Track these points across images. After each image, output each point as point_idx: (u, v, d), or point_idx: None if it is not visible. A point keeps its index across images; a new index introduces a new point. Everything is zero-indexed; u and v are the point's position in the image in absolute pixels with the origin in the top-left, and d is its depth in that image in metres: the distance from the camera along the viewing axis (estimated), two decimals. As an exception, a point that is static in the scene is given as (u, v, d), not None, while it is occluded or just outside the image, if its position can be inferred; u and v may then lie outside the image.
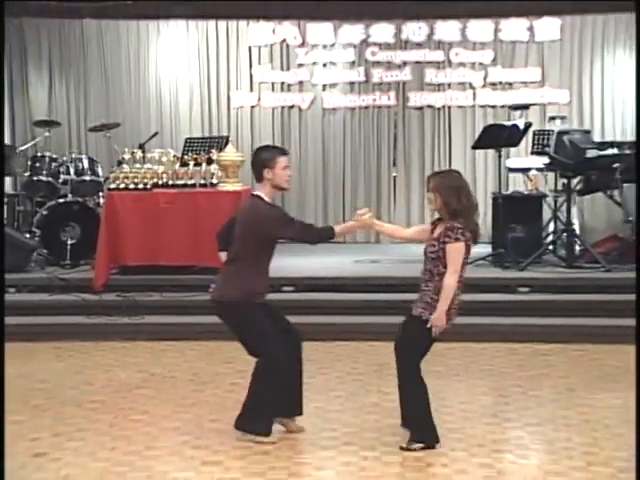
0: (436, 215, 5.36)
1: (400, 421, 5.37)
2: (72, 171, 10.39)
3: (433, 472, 4.88)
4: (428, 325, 5.16)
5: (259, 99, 12.47)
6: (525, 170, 10.81)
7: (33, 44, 12.37)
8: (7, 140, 11.76)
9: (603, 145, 10.01)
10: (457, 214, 5.17)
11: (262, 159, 5.43)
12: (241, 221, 5.41)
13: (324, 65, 12.44)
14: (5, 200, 10.71)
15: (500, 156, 9.97)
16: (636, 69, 11.47)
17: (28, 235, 10.00)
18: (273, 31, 12.40)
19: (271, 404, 5.34)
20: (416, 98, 12.37)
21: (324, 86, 12.46)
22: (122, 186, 9.24)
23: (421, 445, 5.17)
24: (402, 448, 5.20)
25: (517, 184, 11.48)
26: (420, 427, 5.22)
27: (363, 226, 5.67)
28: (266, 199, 5.41)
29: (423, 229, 5.57)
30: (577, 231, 10.00)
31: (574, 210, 10.11)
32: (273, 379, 5.29)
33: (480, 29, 12.22)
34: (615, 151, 9.75)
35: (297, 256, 10.65)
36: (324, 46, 12.40)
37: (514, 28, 12.19)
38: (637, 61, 11.35)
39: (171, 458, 5.13)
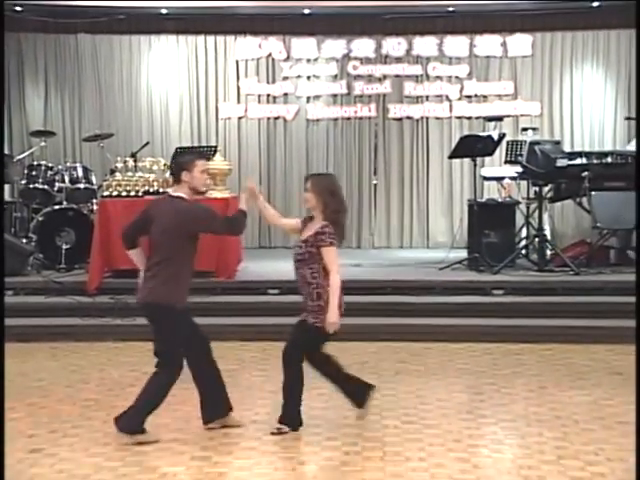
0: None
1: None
2: (67, 179, 10.41)
3: (412, 466, 4.90)
4: (328, 328, 5.29)
5: (246, 110, 12.62)
6: (499, 179, 10.95)
7: (30, 58, 12.47)
8: (5, 149, 11.69)
9: (572, 155, 10.18)
10: (332, 215, 5.29)
11: (181, 162, 5.42)
12: (163, 223, 5.27)
13: (308, 78, 12.61)
14: (4, 207, 10.88)
15: (475, 165, 10.11)
16: (636, 72, 11.66)
17: (25, 240, 10.06)
18: (259, 46, 12.55)
19: (154, 409, 5.36)
20: (395, 110, 12.57)
21: (308, 98, 12.63)
22: (115, 193, 9.33)
23: (287, 428, 5.40)
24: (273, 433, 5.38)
25: (491, 192, 11.68)
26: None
27: (250, 194, 5.53)
28: (187, 199, 5.37)
29: (294, 226, 5.63)
30: (548, 236, 10.14)
31: (545, 216, 10.20)
32: (167, 388, 5.33)
33: (456, 45, 12.44)
34: (584, 160, 9.91)
35: (282, 260, 10.83)
36: (308, 60, 12.58)
37: (488, 44, 12.42)
38: (637, 63, 11.45)
39: (161, 453, 5.13)
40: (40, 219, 10.11)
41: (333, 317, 5.31)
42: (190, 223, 5.29)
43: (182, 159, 5.49)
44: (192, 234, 5.33)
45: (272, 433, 5.44)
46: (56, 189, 10.50)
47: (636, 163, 9.52)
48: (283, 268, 10.08)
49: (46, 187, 10.51)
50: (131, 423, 5.32)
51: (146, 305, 5.40)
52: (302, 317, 5.45)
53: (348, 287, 8.83)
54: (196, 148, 11.03)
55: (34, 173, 10.56)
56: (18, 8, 12.00)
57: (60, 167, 10.70)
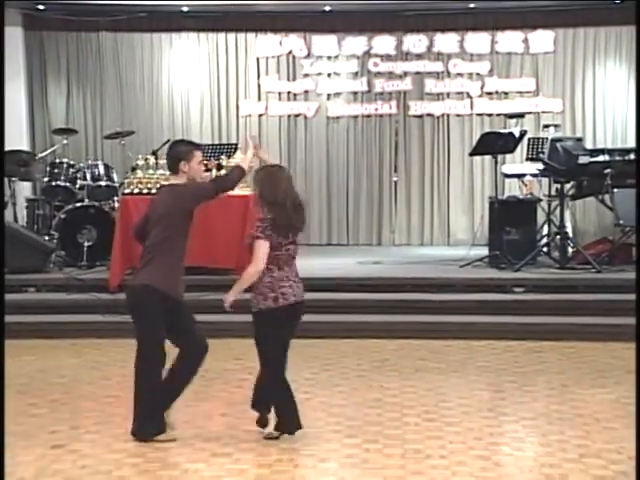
0: None
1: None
2: (89, 177, 10.46)
3: (432, 464, 4.92)
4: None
5: (266, 108, 12.62)
6: (520, 176, 10.88)
7: (52, 56, 12.54)
8: (27, 147, 11.92)
9: (594, 152, 10.15)
10: (270, 205, 5.16)
11: (178, 152, 5.36)
12: (163, 206, 5.28)
13: (328, 75, 12.61)
14: (25, 204, 10.87)
15: (496, 162, 10.09)
16: (636, 73, 11.67)
17: (47, 238, 10.08)
18: (280, 43, 12.56)
19: (157, 403, 5.27)
20: (416, 107, 12.54)
21: (328, 95, 12.62)
22: (136, 191, 9.35)
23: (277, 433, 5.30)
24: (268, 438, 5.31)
25: (512, 189, 11.62)
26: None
27: (255, 147, 5.66)
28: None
29: None
30: (569, 234, 10.07)
31: (567, 214, 10.18)
32: (152, 376, 5.26)
33: (477, 41, 12.39)
34: (606, 157, 9.87)
35: (301, 257, 10.94)
36: (328, 57, 12.57)
37: (510, 40, 12.35)
38: (637, 64, 11.50)
39: (183, 450, 5.18)
40: (62, 216, 10.16)
41: (229, 296, 5.32)
42: (186, 198, 5.29)
43: (180, 149, 5.43)
44: (187, 211, 5.31)
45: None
46: (78, 187, 10.56)
47: (636, 163, 9.48)
48: (303, 265, 10.13)
49: (68, 185, 10.57)
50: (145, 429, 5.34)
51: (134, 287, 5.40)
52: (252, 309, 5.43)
53: (369, 284, 9.24)
54: (217, 145, 11.08)
55: (56, 171, 10.62)
56: (41, 7, 12.12)
57: (82, 165, 10.76)
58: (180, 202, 5.28)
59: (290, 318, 5.34)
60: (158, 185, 9.17)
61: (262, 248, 5.17)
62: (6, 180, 10.84)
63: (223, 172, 9.68)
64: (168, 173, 5.70)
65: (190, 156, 5.34)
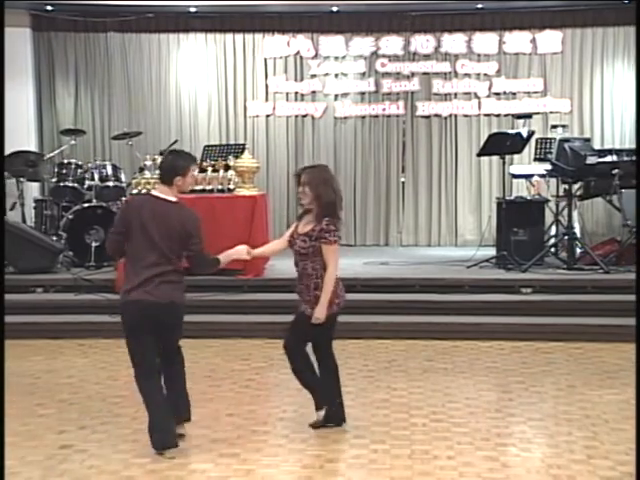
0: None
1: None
2: (96, 177, 10.52)
3: (440, 464, 4.94)
4: (312, 320, 5.24)
5: (274, 108, 12.63)
6: (528, 176, 10.89)
7: (60, 57, 12.55)
8: (35, 148, 11.98)
9: (602, 152, 10.09)
10: (328, 206, 5.18)
11: (176, 167, 5.22)
12: (167, 226, 5.11)
13: (336, 76, 12.61)
14: (34, 205, 10.87)
15: (504, 163, 10.08)
16: (636, 73, 11.65)
17: (55, 238, 10.13)
18: (287, 44, 12.56)
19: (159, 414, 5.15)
20: (424, 107, 12.54)
21: (336, 96, 12.63)
22: (144, 191, 9.34)
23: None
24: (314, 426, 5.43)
25: (520, 189, 11.62)
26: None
27: (239, 254, 5.55)
28: (170, 199, 5.21)
29: (285, 237, 5.52)
30: (577, 234, 10.04)
31: (575, 214, 10.13)
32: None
33: (485, 41, 12.38)
34: (614, 158, 9.82)
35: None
36: (336, 58, 12.58)
37: (517, 41, 12.33)
38: (637, 64, 11.50)
39: (190, 450, 5.19)
40: (70, 217, 10.19)
41: (320, 313, 5.25)
42: (194, 233, 5.19)
43: (177, 164, 5.26)
44: (185, 243, 5.21)
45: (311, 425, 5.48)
46: (86, 187, 10.60)
47: (636, 163, 9.45)
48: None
49: (76, 185, 10.62)
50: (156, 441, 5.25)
51: (173, 304, 5.28)
52: (301, 309, 5.40)
53: (376, 285, 9.25)
54: (224, 146, 11.08)
55: (64, 171, 10.67)
56: (49, 7, 12.15)
57: (90, 165, 10.79)
58: (188, 236, 5.18)
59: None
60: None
61: (337, 252, 5.23)
62: (14, 180, 10.96)
63: (230, 173, 9.75)
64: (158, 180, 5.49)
65: (186, 171, 5.24)
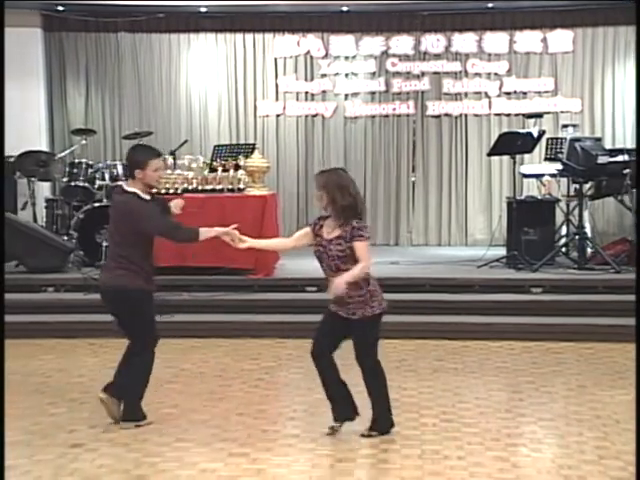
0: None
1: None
2: (107, 177, 10.53)
3: (450, 464, 4.92)
4: (331, 293, 5.18)
5: (284, 108, 12.63)
6: (539, 176, 10.85)
7: (71, 57, 12.56)
8: (46, 147, 12.00)
9: (614, 152, 10.10)
10: (344, 210, 5.15)
11: (134, 160, 5.48)
12: (114, 217, 5.55)
13: (346, 75, 12.60)
14: (45, 204, 10.95)
15: (514, 162, 10.08)
16: (636, 73, 11.62)
17: (66, 237, 10.16)
18: (298, 43, 12.56)
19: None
20: (434, 107, 12.52)
21: (346, 95, 12.61)
22: (154, 191, 9.50)
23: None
24: (365, 435, 5.36)
25: (531, 189, 11.62)
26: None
27: (228, 234, 5.61)
28: (141, 195, 5.46)
29: (304, 233, 5.46)
30: (588, 234, 10.01)
31: (585, 214, 10.09)
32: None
33: (495, 41, 12.34)
34: (625, 157, 9.79)
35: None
36: (346, 57, 12.56)
37: (528, 40, 12.29)
38: (637, 64, 11.49)
39: (200, 449, 5.20)
40: (81, 216, 10.20)
41: (340, 283, 5.11)
42: (135, 221, 5.44)
43: (135, 157, 5.53)
44: (138, 230, 5.47)
45: (362, 435, 5.41)
46: (96, 187, 10.63)
47: (637, 163, 9.42)
48: (317, 266, 10.19)
49: (87, 185, 10.63)
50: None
51: (116, 289, 5.60)
52: (355, 317, 5.33)
53: (386, 284, 9.01)
54: (234, 146, 11.03)
55: (75, 171, 10.69)
56: (60, 8, 12.19)
57: (100, 165, 10.83)
58: (132, 223, 5.47)
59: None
60: (184, 186, 9.42)
61: (367, 247, 5.22)
62: (25, 180, 11.01)
63: (240, 172, 9.75)
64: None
65: (144, 165, 5.42)
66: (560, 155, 9.99)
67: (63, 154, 11.38)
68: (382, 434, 5.39)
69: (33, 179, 10.89)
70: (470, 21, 12.37)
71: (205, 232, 5.64)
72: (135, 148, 5.75)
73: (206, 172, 9.77)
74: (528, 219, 9.98)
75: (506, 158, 11.16)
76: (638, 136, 10.31)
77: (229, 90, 12.71)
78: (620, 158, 9.83)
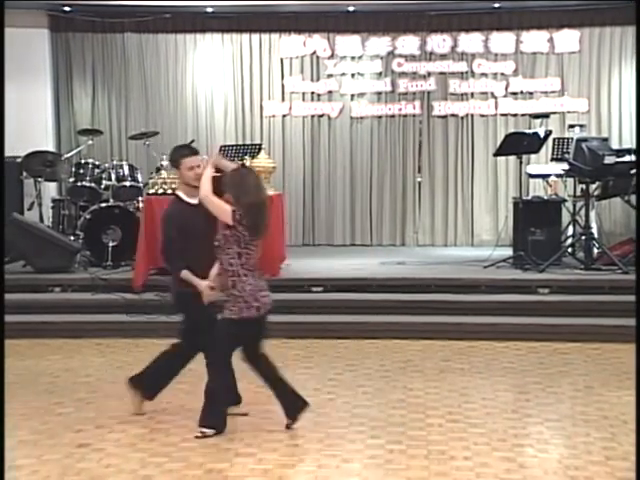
0: None
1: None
2: (113, 177, 10.55)
3: (456, 465, 4.92)
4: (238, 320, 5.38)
5: (290, 108, 12.62)
6: (545, 176, 10.82)
7: (78, 57, 12.56)
8: (53, 148, 12.00)
9: (620, 152, 10.04)
10: (246, 209, 5.18)
11: (171, 161, 5.65)
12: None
13: (352, 76, 12.58)
14: (51, 205, 10.97)
15: (521, 163, 10.03)
16: (637, 73, 11.60)
17: (72, 238, 10.15)
18: (304, 44, 12.54)
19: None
20: (440, 107, 12.50)
21: (352, 96, 12.60)
22: (160, 191, 9.40)
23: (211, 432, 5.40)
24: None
25: (537, 189, 11.59)
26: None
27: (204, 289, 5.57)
28: (184, 197, 5.53)
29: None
30: (595, 234, 10.00)
31: (592, 214, 10.10)
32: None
33: (502, 41, 12.32)
34: (632, 158, 9.75)
35: (325, 258, 10.92)
36: (352, 58, 12.54)
37: (535, 40, 12.26)
38: (637, 64, 11.48)
39: (206, 450, 5.19)
40: (87, 217, 10.21)
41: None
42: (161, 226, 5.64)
43: (171, 158, 5.66)
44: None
45: (196, 437, 5.41)
46: (103, 187, 10.64)
47: (637, 163, 9.39)
48: (327, 266, 10.28)
49: (93, 185, 10.63)
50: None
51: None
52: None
53: (392, 285, 9.24)
54: (241, 146, 11.09)
55: (82, 171, 10.68)
56: (67, 8, 12.20)
57: (107, 165, 10.83)
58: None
59: (262, 327, 5.62)
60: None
61: (219, 201, 5.20)
62: (32, 180, 11.04)
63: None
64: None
65: (178, 164, 5.53)
66: (567, 155, 9.96)
67: (70, 154, 11.41)
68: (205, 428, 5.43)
69: (40, 179, 10.90)
70: (476, 21, 12.35)
71: (186, 275, 5.58)
72: (173, 148, 5.76)
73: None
74: (534, 219, 9.97)
75: (512, 158, 11.13)
76: (638, 136, 10.23)
77: (235, 90, 12.71)
78: (627, 158, 9.79)
